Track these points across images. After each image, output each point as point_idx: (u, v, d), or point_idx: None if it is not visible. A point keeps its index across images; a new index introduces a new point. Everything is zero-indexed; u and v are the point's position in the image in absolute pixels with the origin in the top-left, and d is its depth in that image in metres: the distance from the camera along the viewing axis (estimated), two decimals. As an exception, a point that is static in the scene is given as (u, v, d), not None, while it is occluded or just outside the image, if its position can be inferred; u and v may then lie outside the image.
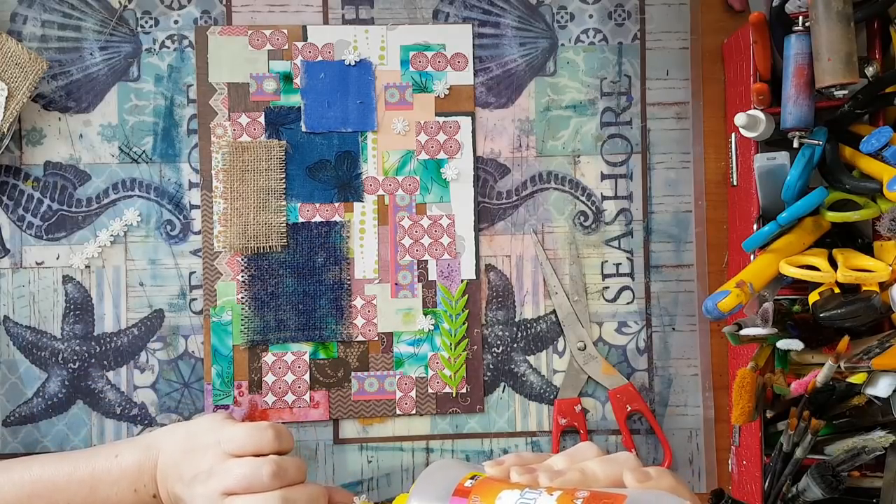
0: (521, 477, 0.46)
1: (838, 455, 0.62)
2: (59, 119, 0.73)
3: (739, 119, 0.64)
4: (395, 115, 0.74)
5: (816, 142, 0.63)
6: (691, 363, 0.75)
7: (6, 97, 0.68)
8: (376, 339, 0.73)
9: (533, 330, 0.74)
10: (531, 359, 0.74)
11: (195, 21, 0.73)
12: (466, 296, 0.74)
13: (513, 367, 0.74)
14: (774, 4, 0.62)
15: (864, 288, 0.60)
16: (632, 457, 0.47)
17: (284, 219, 0.73)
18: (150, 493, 0.62)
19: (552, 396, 0.74)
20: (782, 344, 0.61)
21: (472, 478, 0.48)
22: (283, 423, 0.73)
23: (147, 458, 0.62)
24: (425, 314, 0.74)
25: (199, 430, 0.63)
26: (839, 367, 0.60)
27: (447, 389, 0.73)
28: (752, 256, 0.66)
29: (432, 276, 0.74)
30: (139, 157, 0.73)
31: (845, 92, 0.60)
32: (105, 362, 0.72)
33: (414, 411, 0.73)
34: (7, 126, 0.69)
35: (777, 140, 0.66)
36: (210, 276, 0.73)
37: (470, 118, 0.74)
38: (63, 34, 0.72)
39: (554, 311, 0.74)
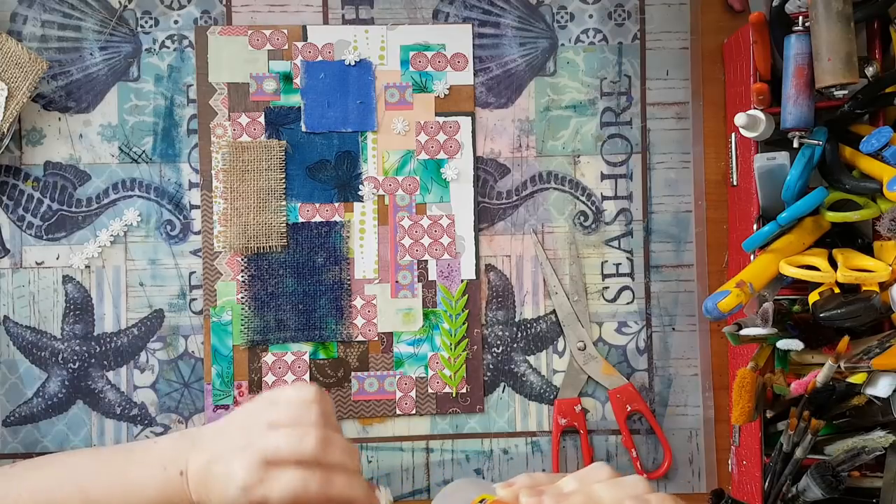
0: (529, 500, 0.46)
1: (838, 455, 0.62)
2: (59, 119, 0.73)
3: (739, 119, 0.64)
4: (395, 115, 0.74)
5: (816, 142, 0.63)
6: (691, 363, 0.75)
7: (6, 97, 0.68)
8: (376, 339, 0.73)
9: (533, 330, 0.74)
10: (531, 359, 0.74)
11: (195, 21, 0.73)
12: (466, 296, 0.74)
13: (513, 367, 0.74)
14: (774, 4, 0.62)
15: (864, 288, 0.60)
16: (640, 482, 0.47)
17: (284, 219, 0.73)
18: (178, 470, 0.59)
19: (552, 396, 0.74)
20: (782, 344, 0.61)
21: (481, 500, 0.48)
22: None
23: (183, 440, 0.61)
24: (425, 314, 0.74)
25: (244, 408, 0.61)
26: (839, 367, 0.60)
27: (447, 389, 0.73)
28: (752, 256, 0.66)
29: (432, 276, 0.74)
30: (139, 157, 0.73)
31: (845, 92, 0.60)
32: (105, 362, 0.72)
33: (414, 411, 0.73)
34: (7, 126, 0.69)
35: (777, 140, 0.66)
36: (210, 276, 0.73)
37: (470, 118, 0.74)
38: (63, 34, 0.72)
39: (554, 311, 0.74)
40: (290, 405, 0.58)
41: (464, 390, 0.74)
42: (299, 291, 0.73)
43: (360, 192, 0.73)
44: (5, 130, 0.69)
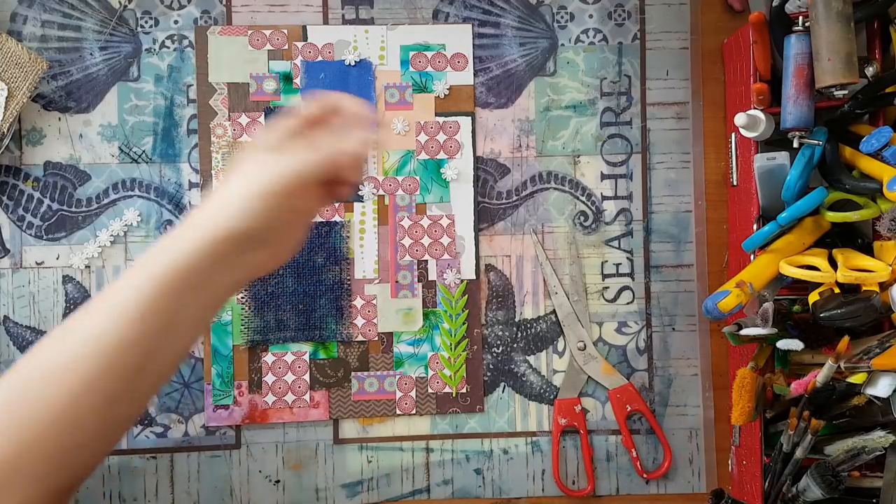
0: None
1: (838, 455, 0.62)
2: (59, 119, 0.73)
3: (739, 119, 0.64)
4: (395, 115, 0.74)
5: (816, 142, 0.63)
6: (691, 363, 0.75)
7: (6, 97, 0.68)
8: (376, 339, 0.73)
9: (533, 330, 0.74)
10: (531, 359, 0.74)
11: (195, 21, 0.73)
12: (466, 296, 0.74)
13: (513, 367, 0.74)
14: (774, 4, 0.62)
15: (864, 288, 0.60)
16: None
17: (284, 219, 0.73)
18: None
19: (552, 396, 0.74)
20: (782, 344, 0.61)
21: None
22: (282, 423, 0.73)
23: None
24: (425, 314, 0.74)
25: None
26: (839, 367, 0.60)
27: (447, 389, 0.73)
28: (752, 256, 0.66)
29: (432, 276, 0.74)
30: (139, 157, 0.73)
31: (845, 92, 0.60)
32: (105, 362, 0.72)
33: (414, 411, 0.73)
34: (7, 126, 0.69)
35: (777, 140, 0.66)
36: (210, 276, 0.72)
37: (470, 118, 0.74)
38: (63, 34, 0.72)
39: (554, 311, 0.74)
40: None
41: (464, 390, 0.74)
42: (299, 291, 0.73)
43: (360, 192, 0.73)
44: (5, 130, 0.69)
